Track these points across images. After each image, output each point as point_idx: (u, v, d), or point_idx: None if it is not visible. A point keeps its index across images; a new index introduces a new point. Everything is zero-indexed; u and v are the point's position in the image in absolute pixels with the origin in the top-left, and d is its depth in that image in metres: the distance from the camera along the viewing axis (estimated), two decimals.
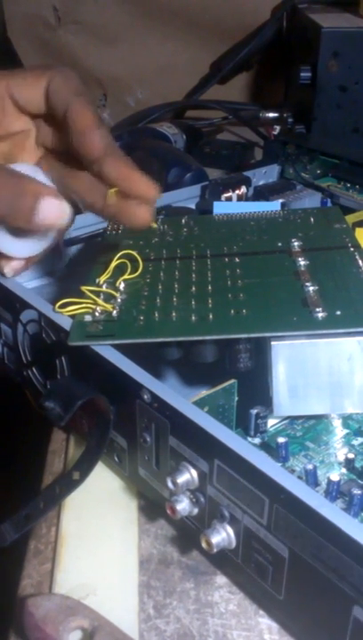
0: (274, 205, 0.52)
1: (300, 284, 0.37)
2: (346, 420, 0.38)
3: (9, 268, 0.39)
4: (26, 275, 0.46)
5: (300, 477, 0.34)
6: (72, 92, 0.36)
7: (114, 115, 1.06)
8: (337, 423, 0.38)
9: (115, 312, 0.36)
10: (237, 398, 0.35)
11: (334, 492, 0.32)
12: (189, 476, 0.30)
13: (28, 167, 0.38)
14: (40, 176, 0.38)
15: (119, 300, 0.37)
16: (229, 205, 0.55)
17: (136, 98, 1.05)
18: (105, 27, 1.00)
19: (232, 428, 0.36)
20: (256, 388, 0.36)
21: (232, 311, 0.35)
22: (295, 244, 0.42)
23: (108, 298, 0.37)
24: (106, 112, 1.08)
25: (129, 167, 0.36)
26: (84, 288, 0.36)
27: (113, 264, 0.39)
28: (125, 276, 0.39)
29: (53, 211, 0.35)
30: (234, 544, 0.29)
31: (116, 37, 1.01)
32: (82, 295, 0.36)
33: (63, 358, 0.36)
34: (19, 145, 0.40)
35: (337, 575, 0.24)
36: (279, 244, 0.43)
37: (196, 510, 0.31)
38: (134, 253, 0.40)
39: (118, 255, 0.39)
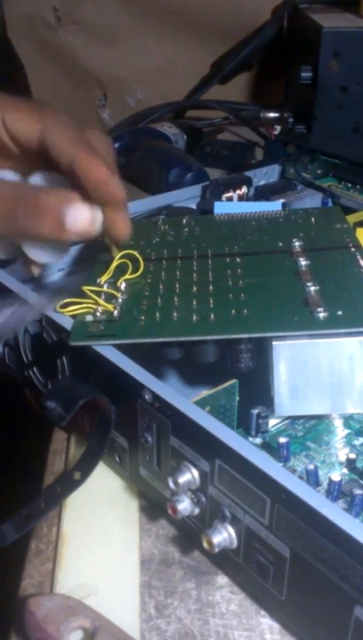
0: (275, 205, 0.52)
1: (301, 284, 0.37)
2: (347, 420, 0.38)
3: (37, 270, 0.39)
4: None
5: (301, 477, 0.34)
6: (73, 142, 0.35)
7: (114, 115, 1.07)
8: (338, 423, 0.38)
9: (116, 312, 0.36)
10: (238, 398, 0.35)
11: (336, 492, 0.32)
12: (190, 475, 0.30)
13: (44, 176, 0.37)
14: (61, 182, 0.38)
15: (120, 300, 0.37)
16: (230, 205, 0.55)
17: (136, 98, 1.05)
18: (105, 27, 1.00)
19: (233, 427, 0.36)
20: (257, 388, 0.36)
21: (233, 311, 0.35)
22: (296, 244, 0.42)
23: (110, 298, 0.37)
24: (106, 112, 1.08)
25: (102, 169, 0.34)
26: (85, 288, 0.36)
27: (114, 264, 0.39)
28: (127, 276, 0.39)
29: (81, 217, 0.34)
30: (235, 544, 0.29)
31: (117, 37, 1.01)
32: (83, 295, 0.36)
33: (64, 358, 0.36)
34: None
35: (338, 575, 0.24)
36: (280, 244, 0.43)
37: (197, 510, 0.31)
38: (135, 253, 0.40)
39: (119, 255, 0.39)
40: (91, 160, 0.34)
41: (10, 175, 0.38)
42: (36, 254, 0.37)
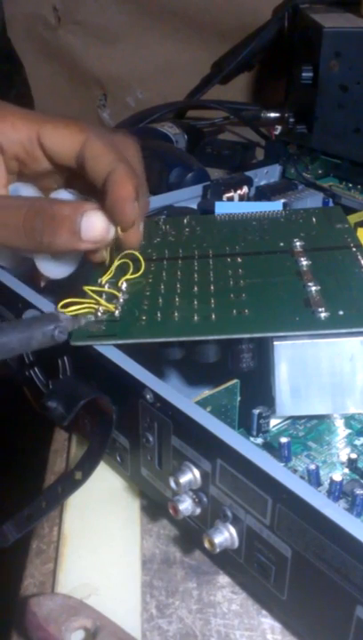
0: (276, 205, 0.52)
1: (302, 284, 0.37)
2: (348, 420, 0.38)
3: (45, 283, 0.40)
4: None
5: (302, 477, 0.34)
6: (113, 159, 0.35)
7: (114, 115, 1.07)
8: (339, 423, 0.38)
9: (117, 312, 0.36)
10: (239, 398, 0.35)
11: (337, 492, 0.32)
12: (191, 475, 0.30)
13: (66, 193, 0.38)
14: (66, 195, 0.38)
15: (121, 300, 0.37)
16: (231, 205, 0.55)
17: (136, 98, 1.05)
18: (105, 27, 1.00)
19: (235, 427, 0.36)
20: (259, 388, 0.36)
21: (234, 311, 0.35)
22: (297, 244, 0.42)
23: (111, 298, 0.37)
24: (106, 112, 1.08)
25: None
26: (86, 288, 0.36)
27: (115, 264, 0.39)
28: (128, 276, 0.39)
29: (96, 226, 0.34)
30: (237, 544, 0.29)
31: (117, 37, 1.01)
32: (84, 295, 0.36)
33: (65, 358, 0.36)
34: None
35: (340, 575, 0.24)
36: (281, 244, 0.43)
37: (198, 510, 0.31)
38: (136, 253, 0.40)
39: (120, 255, 0.39)
40: (125, 179, 0.34)
41: (65, 194, 0.38)
42: (48, 269, 0.38)
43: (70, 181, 0.40)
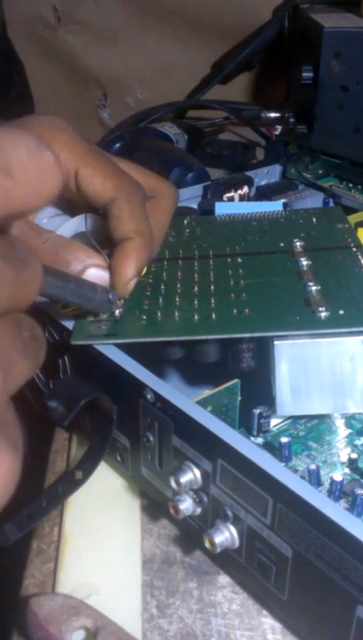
0: (276, 205, 0.52)
1: (302, 284, 0.37)
2: (349, 419, 0.38)
3: None
4: None
5: (303, 477, 0.34)
6: (134, 229, 0.35)
7: (114, 115, 1.07)
8: (340, 423, 0.38)
9: (117, 312, 0.36)
10: (239, 398, 0.35)
11: (338, 491, 0.32)
12: (192, 475, 0.30)
13: (78, 221, 0.38)
14: (91, 222, 0.38)
15: (122, 300, 0.37)
16: (232, 205, 0.55)
17: (136, 98, 1.05)
18: (105, 27, 1.00)
19: (235, 427, 0.36)
20: (259, 388, 0.36)
21: (235, 311, 0.35)
22: (298, 244, 0.42)
23: None
24: (106, 112, 1.08)
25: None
26: None
27: None
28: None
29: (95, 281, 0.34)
30: (237, 544, 0.29)
31: (117, 37, 1.01)
32: None
33: (66, 358, 0.36)
34: None
35: (341, 575, 0.24)
36: (282, 244, 0.43)
37: (199, 510, 0.31)
38: None
39: None
40: (128, 261, 0.35)
41: (77, 224, 0.38)
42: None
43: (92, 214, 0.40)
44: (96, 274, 0.34)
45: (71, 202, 0.38)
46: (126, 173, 0.36)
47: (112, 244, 0.36)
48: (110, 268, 0.35)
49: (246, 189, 0.59)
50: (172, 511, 0.31)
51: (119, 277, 0.35)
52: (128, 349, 0.33)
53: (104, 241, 0.37)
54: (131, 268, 0.35)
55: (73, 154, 0.36)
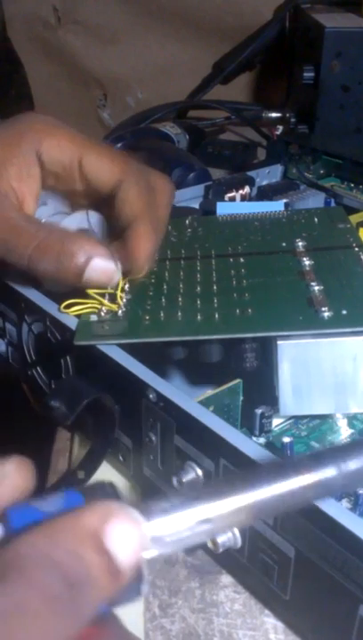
0: (278, 205, 0.52)
1: (305, 284, 0.37)
2: (351, 419, 0.38)
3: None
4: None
5: None
6: (142, 209, 0.36)
7: (114, 115, 1.07)
8: (342, 423, 0.38)
9: (120, 312, 0.36)
10: (242, 398, 0.35)
11: None
12: (194, 475, 0.30)
13: (80, 217, 0.38)
14: (92, 218, 0.38)
15: (124, 300, 0.37)
16: (233, 206, 0.55)
17: (136, 98, 1.05)
18: (105, 27, 1.00)
19: (237, 427, 0.36)
20: (261, 388, 0.36)
21: (238, 311, 0.35)
22: (299, 244, 0.42)
23: (114, 298, 0.37)
24: (106, 112, 1.08)
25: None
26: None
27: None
28: (130, 277, 0.39)
29: (100, 272, 0.35)
30: (240, 543, 0.29)
31: (116, 37, 1.01)
32: (87, 296, 0.36)
33: (68, 358, 0.36)
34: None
35: (343, 574, 0.24)
36: (283, 244, 0.43)
37: None
38: None
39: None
40: (145, 233, 0.35)
41: (79, 220, 0.39)
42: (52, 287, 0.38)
43: (99, 204, 0.40)
44: (101, 264, 0.35)
45: (74, 196, 0.38)
46: (130, 158, 0.37)
47: (119, 231, 0.36)
48: (127, 250, 0.35)
49: (247, 189, 0.59)
50: None
51: (138, 254, 0.35)
52: (131, 349, 0.33)
53: (107, 236, 0.37)
54: (147, 243, 0.35)
55: (75, 143, 0.36)
